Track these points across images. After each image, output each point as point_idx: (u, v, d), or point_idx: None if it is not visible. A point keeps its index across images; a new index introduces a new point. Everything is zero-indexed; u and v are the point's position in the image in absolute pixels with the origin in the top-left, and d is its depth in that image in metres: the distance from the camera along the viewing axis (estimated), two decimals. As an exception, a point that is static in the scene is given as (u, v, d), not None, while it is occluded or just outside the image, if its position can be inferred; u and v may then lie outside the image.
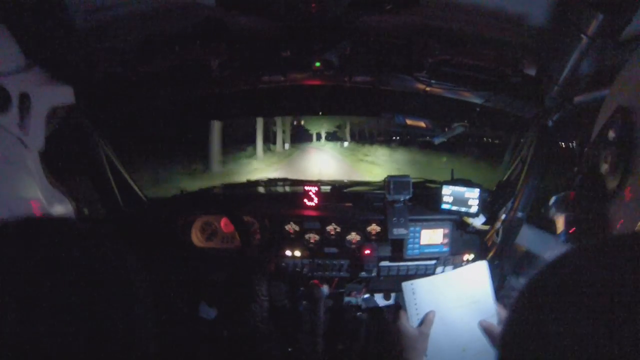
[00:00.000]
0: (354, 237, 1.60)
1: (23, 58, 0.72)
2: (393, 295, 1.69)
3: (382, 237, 1.59)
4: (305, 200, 1.70)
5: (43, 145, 0.75)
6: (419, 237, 1.60)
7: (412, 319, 1.16)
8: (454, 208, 1.57)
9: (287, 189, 1.94)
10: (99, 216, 1.48)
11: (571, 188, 0.66)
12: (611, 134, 0.55)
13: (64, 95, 0.79)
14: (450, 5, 1.02)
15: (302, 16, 1.10)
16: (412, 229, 1.57)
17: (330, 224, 1.61)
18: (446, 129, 1.82)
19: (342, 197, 1.83)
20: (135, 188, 1.67)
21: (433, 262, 1.60)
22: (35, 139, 0.71)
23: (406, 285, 1.24)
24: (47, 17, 0.89)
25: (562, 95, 1.14)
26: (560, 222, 0.66)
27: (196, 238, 1.65)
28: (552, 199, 0.68)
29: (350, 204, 1.75)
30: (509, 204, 1.47)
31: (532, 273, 0.37)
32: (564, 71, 1.03)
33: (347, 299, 1.63)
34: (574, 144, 1.26)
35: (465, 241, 1.64)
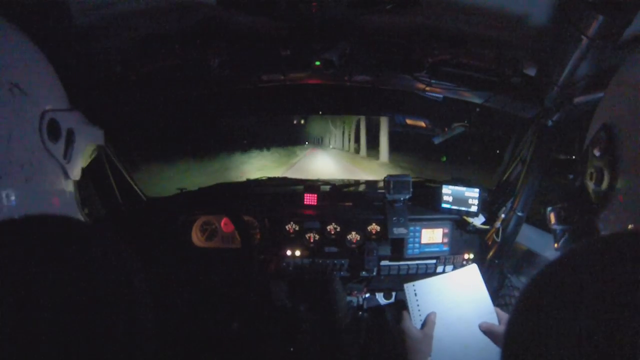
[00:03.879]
0: (354, 236, 1.60)
1: (67, 101, 0.80)
2: (394, 294, 1.70)
3: (382, 236, 1.59)
4: (305, 200, 1.70)
5: (79, 177, 0.83)
6: (419, 237, 1.60)
7: (414, 319, 1.18)
8: (454, 207, 1.58)
9: (287, 188, 1.94)
10: (99, 216, 1.48)
11: (566, 199, 0.68)
12: (596, 151, 0.58)
13: (96, 136, 0.89)
14: (450, 5, 1.02)
15: (302, 16, 1.10)
16: (412, 228, 1.58)
17: (330, 223, 1.61)
18: (446, 129, 1.82)
19: (342, 196, 1.83)
20: (136, 188, 1.67)
21: (433, 261, 1.61)
22: (75, 170, 0.79)
23: (408, 287, 1.26)
24: (46, 16, 0.89)
25: (562, 95, 1.14)
26: (557, 233, 0.69)
27: (196, 238, 1.65)
28: (548, 209, 0.70)
29: (350, 204, 1.75)
30: (509, 204, 1.47)
31: (533, 273, 0.38)
32: (564, 72, 1.03)
33: (348, 298, 1.63)
34: (574, 145, 1.27)
35: (465, 240, 1.64)
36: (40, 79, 0.72)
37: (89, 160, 0.90)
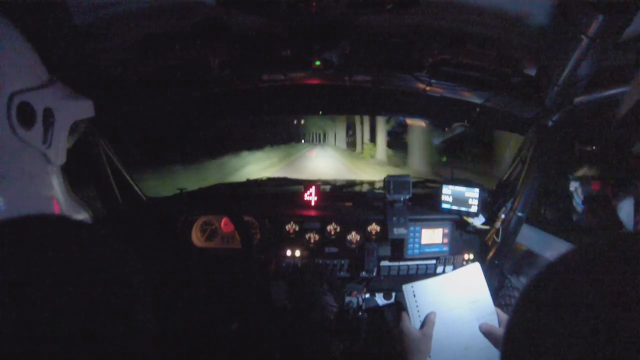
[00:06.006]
0: (354, 236, 1.60)
1: (46, 73, 0.71)
2: (394, 294, 1.70)
3: (382, 236, 1.59)
4: (305, 200, 1.70)
5: (64, 158, 0.75)
6: (419, 237, 1.60)
7: (413, 320, 1.17)
8: (454, 208, 1.58)
9: (287, 188, 1.94)
10: (99, 216, 1.47)
11: (601, 180, 0.63)
12: None
13: (84, 109, 0.79)
14: (450, 5, 1.02)
15: (302, 16, 1.09)
16: (412, 228, 1.58)
17: (330, 223, 1.61)
18: (446, 129, 1.82)
19: (342, 196, 1.83)
20: (136, 188, 1.67)
21: (433, 261, 1.61)
22: (58, 153, 0.72)
23: (407, 288, 1.25)
24: (46, 17, 0.89)
25: (562, 95, 1.14)
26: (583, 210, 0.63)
27: (196, 238, 1.65)
28: (574, 183, 0.64)
29: (350, 204, 1.75)
30: (509, 204, 1.47)
31: (533, 273, 0.37)
32: (564, 71, 1.03)
33: (347, 298, 1.63)
34: (575, 145, 1.27)
35: (465, 241, 1.64)
36: (5, 55, 0.62)
37: (77, 137, 0.81)
